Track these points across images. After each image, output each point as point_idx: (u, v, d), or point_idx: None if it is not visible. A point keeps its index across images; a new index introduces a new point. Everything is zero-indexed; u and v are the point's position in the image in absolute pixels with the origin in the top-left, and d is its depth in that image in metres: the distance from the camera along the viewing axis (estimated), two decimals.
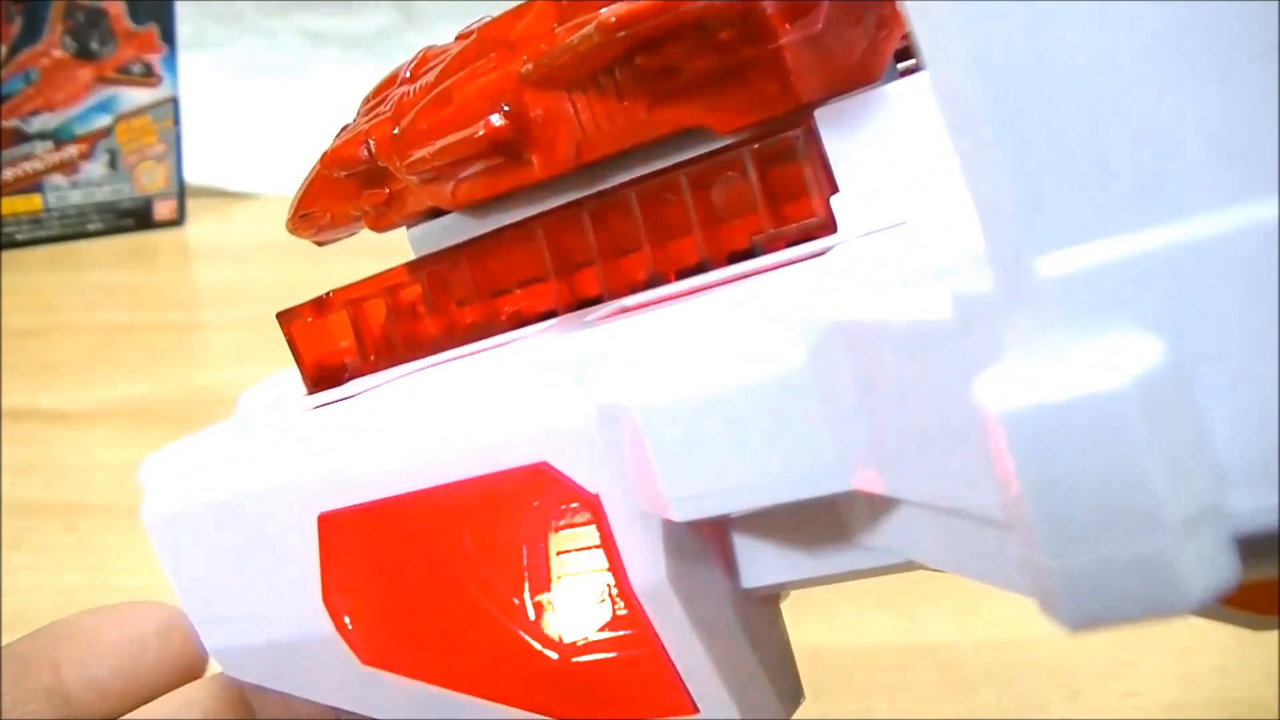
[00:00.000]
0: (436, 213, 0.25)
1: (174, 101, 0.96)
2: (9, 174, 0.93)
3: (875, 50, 0.22)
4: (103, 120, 0.95)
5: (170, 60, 0.95)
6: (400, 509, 0.22)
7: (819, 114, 0.21)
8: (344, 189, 0.25)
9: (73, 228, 0.95)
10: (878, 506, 0.19)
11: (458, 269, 0.24)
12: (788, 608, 0.24)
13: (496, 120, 0.22)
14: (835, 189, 0.21)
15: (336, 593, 0.23)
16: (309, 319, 0.25)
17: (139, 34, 0.94)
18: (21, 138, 0.93)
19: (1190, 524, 0.13)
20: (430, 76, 0.24)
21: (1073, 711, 0.40)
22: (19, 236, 0.93)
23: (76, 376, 0.70)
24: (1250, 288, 0.13)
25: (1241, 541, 0.13)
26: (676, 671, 0.21)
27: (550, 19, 0.22)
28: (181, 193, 0.96)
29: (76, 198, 0.95)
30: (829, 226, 0.21)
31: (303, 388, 0.26)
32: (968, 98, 0.13)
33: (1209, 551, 0.13)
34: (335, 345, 0.25)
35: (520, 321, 0.23)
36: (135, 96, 0.95)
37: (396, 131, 0.23)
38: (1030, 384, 0.13)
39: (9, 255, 0.91)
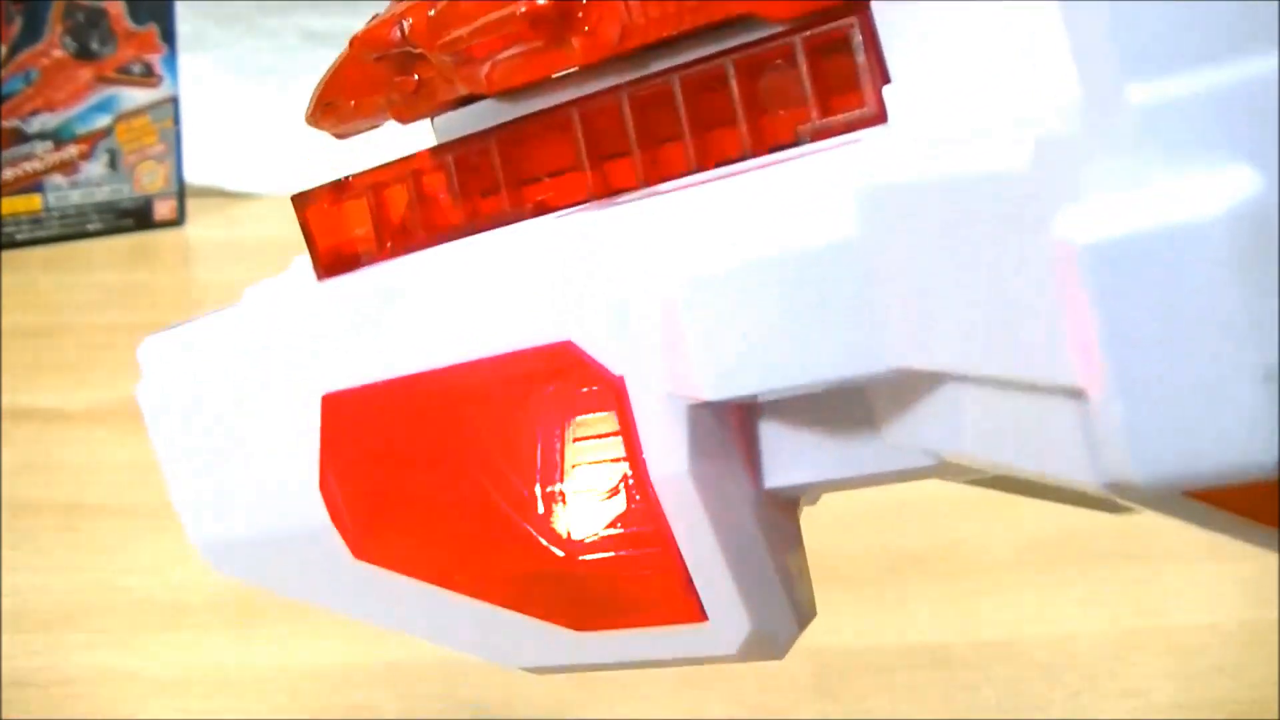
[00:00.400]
0: (465, 104, 0.24)
1: (174, 101, 0.95)
2: (9, 174, 0.92)
3: None
4: (103, 120, 0.95)
5: (170, 60, 0.95)
6: (412, 389, 0.21)
7: (875, 3, 0.20)
8: (372, 75, 0.24)
9: (73, 228, 0.94)
10: (916, 396, 0.18)
11: (486, 155, 0.23)
12: None
13: None
14: (888, 80, 0.20)
15: (335, 481, 0.22)
16: (326, 204, 0.24)
17: (139, 34, 0.94)
18: (21, 138, 0.93)
19: (1274, 372, 0.12)
20: None
21: (1073, 711, 0.40)
22: (19, 236, 0.93)
23: (76, 376, 0.69)
24: None
25: None
26: (688, 574, 0.20)
27: None
28: (181, 193, 0.96)
29: (76, 198, 0.94)
30: (880, 118, 0.20)
31: (313, 277, 0.25)
32: None
33: None
34: (351, 232, 0.24)
35: (547, 212, 0.23)
36: (135, 96, 0.95)
37: (433, 13, 0.23)
38: (1117, 215, 0.12)
39: (9, 255, 0.90)
